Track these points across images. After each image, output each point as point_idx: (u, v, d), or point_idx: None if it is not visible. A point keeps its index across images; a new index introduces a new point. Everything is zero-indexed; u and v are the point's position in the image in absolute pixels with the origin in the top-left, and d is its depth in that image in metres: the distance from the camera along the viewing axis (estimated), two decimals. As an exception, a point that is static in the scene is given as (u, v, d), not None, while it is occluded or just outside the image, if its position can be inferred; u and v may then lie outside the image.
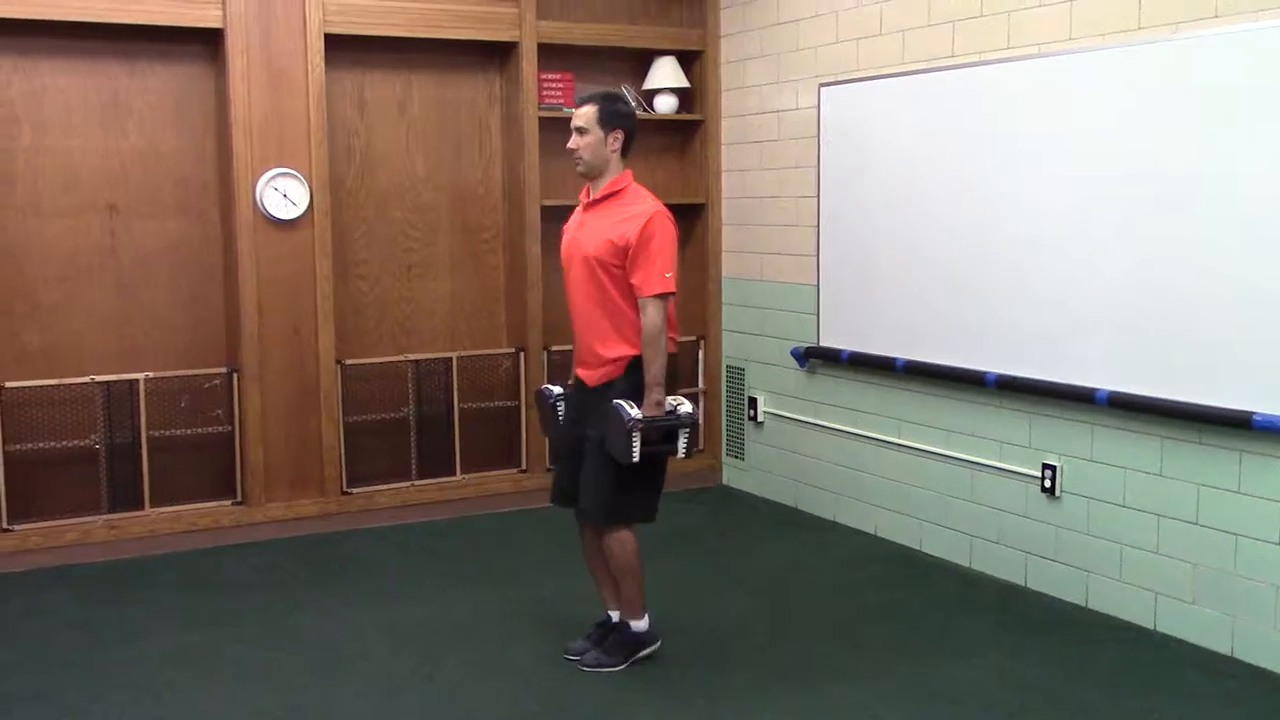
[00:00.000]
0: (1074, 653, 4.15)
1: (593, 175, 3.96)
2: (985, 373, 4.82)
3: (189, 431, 5.50)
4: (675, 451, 3.89)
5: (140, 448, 5.36)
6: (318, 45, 5.47)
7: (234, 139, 5.36)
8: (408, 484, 5.90)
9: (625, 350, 3.88)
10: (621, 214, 3.88)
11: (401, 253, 6.01)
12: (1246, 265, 3.89)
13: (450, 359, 5.98)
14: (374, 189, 5.93)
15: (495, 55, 6.08)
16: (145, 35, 5.34)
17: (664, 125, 6.44)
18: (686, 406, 3.87)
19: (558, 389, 4.22)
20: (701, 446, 6.48)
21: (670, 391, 3.88)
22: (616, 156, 3.94)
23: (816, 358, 5.79)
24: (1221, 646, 4.10)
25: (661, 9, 6.36)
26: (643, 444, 3.76)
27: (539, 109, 5.98)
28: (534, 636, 4.32)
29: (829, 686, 3.88)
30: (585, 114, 3.93)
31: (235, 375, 5.51)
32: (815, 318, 5.75)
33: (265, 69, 5.39)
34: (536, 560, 5.24)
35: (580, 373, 4.04)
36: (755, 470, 6.33)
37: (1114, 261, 4.31)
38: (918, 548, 5.32)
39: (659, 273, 3.80)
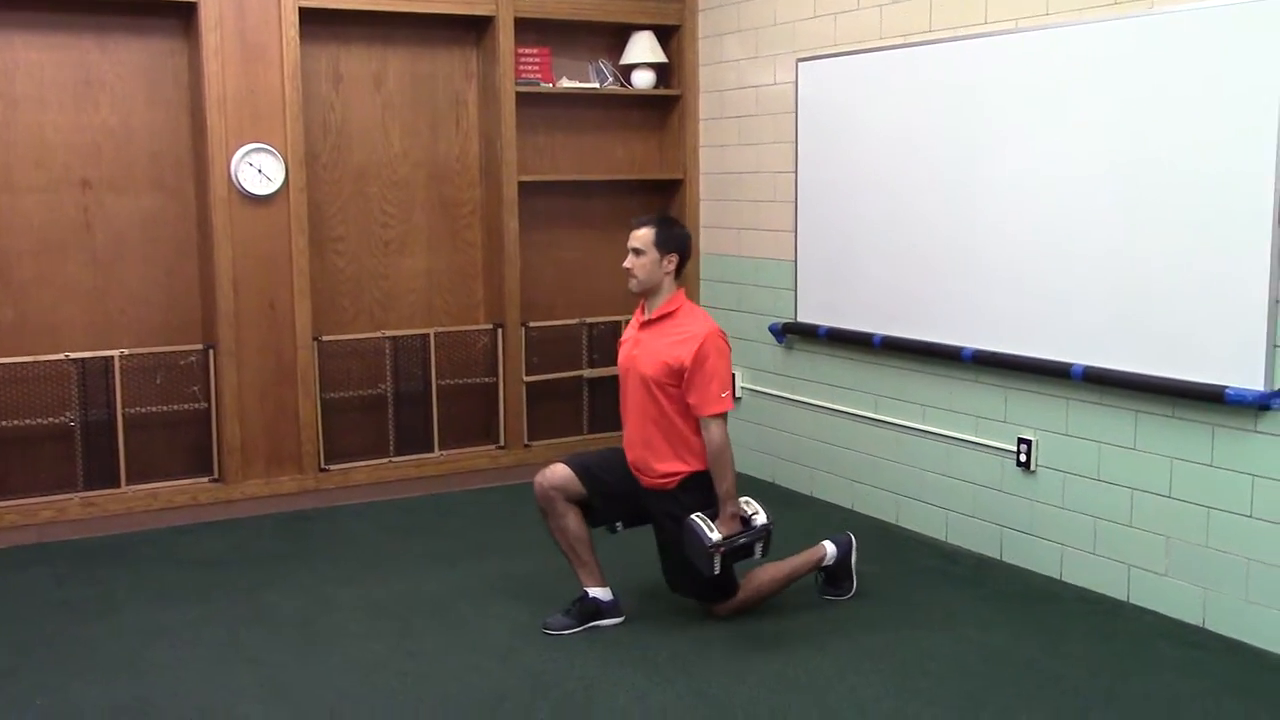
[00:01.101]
0: (1048, 624, 4.18)
1: (646, 293, 4.12)
2: (961, 348, 4.84)
3: (165, 408, 5.47)
4: (754, 555, 4.05)
5: (116, 425, 5.33)
6: (292, 19, 5.42)
7: (208, 114, 5.31)
8: (385, 460, 5.89)
9: (679, 466, 4.09)
10: (676, 335, 4.04)
11: (378, 228, 5.99)
12: (1221, 242, 3.90)
13: (428, 335, 5.97)
14: (350, 164, 5.89)
15: (472, 29, 6.04)
16: (117, 9, 5.29)
17: (641, 101, 6.42)
18: (761, 517, 4.04)
19: None
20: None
21: None
22: (670, 278, 4.11)
23: (794, 334, 5.80)
24: (1193, 618, 4.15)
25: (639, -17, 6.34)
26: (723, 559, 3.94)
27: (516, 84, 5.95)
28: (513, 612, 4.33)
29: (806, 659, 3.91)
30: (642, 236, 4.08)
31: (211, 351, 5.48)
32: (793, 294, 5.76)
33: (239, 43, 5.34)
34: (514, 536, 5.24)
35: (638, 476, 4.17)
36: (733, 446, 6.33)
37: (1090, 237, 4.32)
38: (894, 521, 5.35)
39: (715, 393, 3.99)
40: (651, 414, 4.07)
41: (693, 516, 3.97)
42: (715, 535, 3.91)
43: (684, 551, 4.02)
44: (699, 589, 4.17)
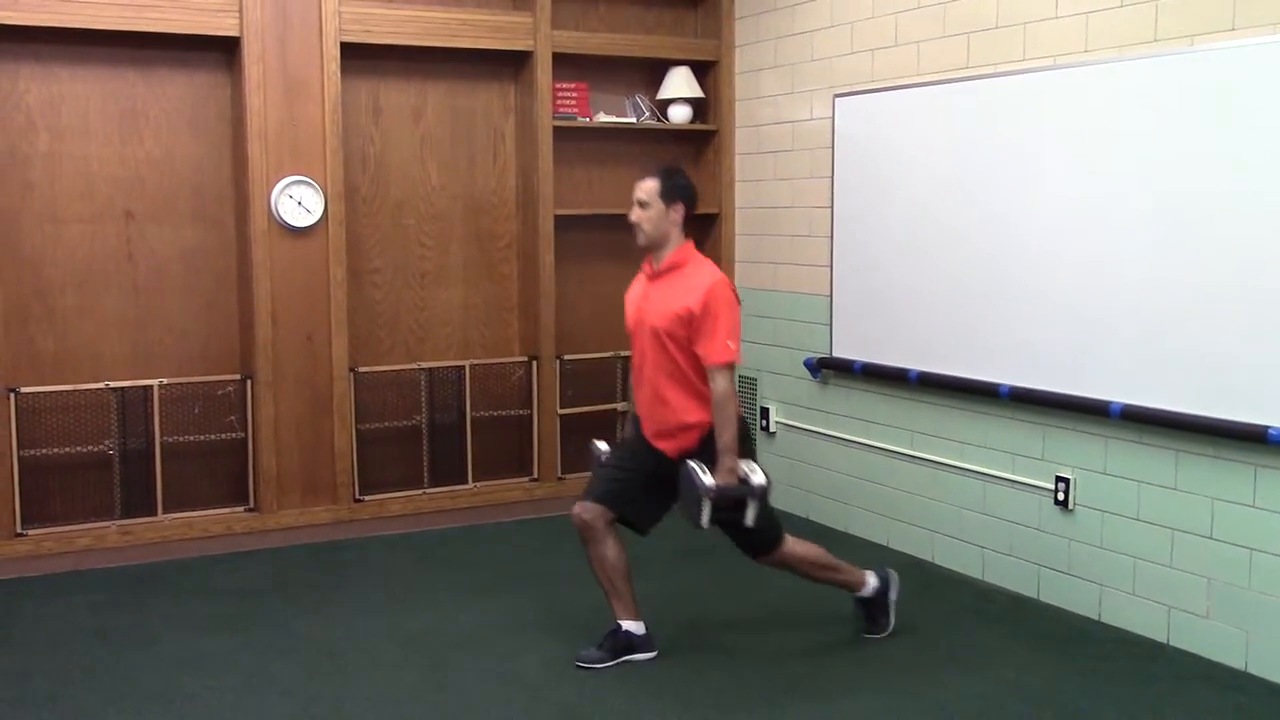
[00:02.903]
0: (1086, 666, 4.13)
1: (653, 246, 4.06)
2: (998, 384, 4.81)
3: (202, 438, 5.52)
4: (744, 520, 3.95)
5: (154, 453, 5.38)
6: (333, 53, 5.49)
7: (249, 147, 5.38)
8: (420, 492, 5.90)
9: (699, 416, 3.99)
10: (684, 285, 3.98)
11: (415, 261, 6.03)
12: (1262, 279, 3.87)
13: (463, 367, 5.99)
14: (388, 197, 5.94)
15: (510, 64, 6.09)
16: (162, 44, 5.37)
17: (678, 135, 6.45)
18: (760, 477, 3.93)
19: (606, 447, 4.33)
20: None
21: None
22: (677, 229, 4.05)
23: (829, 368, 5.78)
24: (1235, 661, 4.08)
25: (676, 19, 6.38)
26: (714, 510, 3.85)
27: (554, 118, 5.99)
28: (545, 645, 4.31)
29: (840, 698, 3.87)
30: (647, 188, 4.03)
31: (249, 382, 5.52)
32: (828, 328, 5.74)
33: (281, 77, 5.41)
34: (548, 569, 5.23)
35: (661, 445, 4.09)
36: (770, 478, 6.29)
37: (1128, 274, 4.29)
38: (930, 559, 5.30)
39: (722, 342, 3.91)
40: (665, 367, 3.99)
41: (689, 461, 3.89)
42: (709, 480, 3.84)
43: (681, 507, 3.94)
44: (745, 533, 4.06)
